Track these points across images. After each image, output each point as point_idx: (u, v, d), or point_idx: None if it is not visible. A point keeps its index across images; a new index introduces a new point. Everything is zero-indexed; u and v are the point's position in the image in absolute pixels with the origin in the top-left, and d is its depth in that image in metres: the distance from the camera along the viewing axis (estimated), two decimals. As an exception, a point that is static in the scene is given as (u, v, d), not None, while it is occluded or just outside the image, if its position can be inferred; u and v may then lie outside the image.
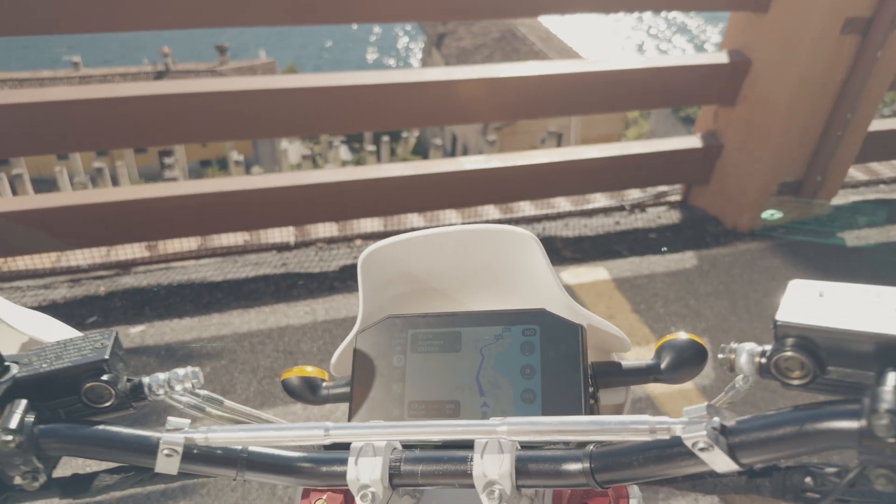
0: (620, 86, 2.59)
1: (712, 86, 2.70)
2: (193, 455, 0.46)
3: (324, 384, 0.63)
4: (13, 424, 0.43)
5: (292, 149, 24.45)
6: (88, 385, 0.46)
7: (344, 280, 2.44)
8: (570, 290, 2.41)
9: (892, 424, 0.31)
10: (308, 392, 0.63)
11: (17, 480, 0.45)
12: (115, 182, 20.34)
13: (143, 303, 2.29)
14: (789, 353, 0.37)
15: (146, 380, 0.49)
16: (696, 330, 2.24)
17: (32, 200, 2.33)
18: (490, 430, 0.42)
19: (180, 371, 0.49)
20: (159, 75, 27.22)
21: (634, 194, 3.10)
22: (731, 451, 0.37)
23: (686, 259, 2.63)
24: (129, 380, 0.48)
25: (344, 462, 0.45)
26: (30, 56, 42.80)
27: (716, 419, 0.37)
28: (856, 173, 3.38)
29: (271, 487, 1.64)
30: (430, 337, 0.56)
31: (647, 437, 0.38)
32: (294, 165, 22.58)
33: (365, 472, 0.43)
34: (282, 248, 2.62)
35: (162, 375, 0.49)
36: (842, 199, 3.06)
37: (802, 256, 2.65)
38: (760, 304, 2.37)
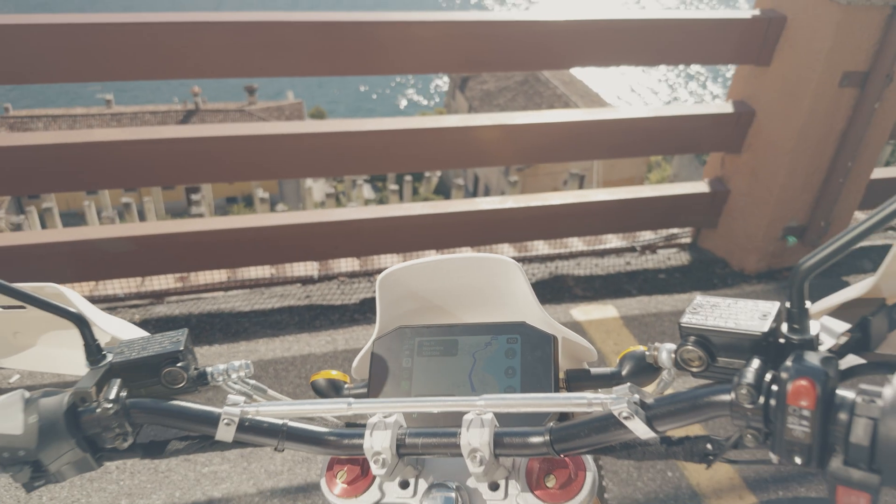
0: (632, 133, 2.73)
1: (719, 134, 2.83)
2: (245, 426, 0.58)
3: (346, 385, 0.77)
4: (111, 396, 0.57)
5: (317, 187, 24.87)
6: (167, 370, 0.59)
7: (364, 312, 2.57)
8: (578, 326, 2.52)
9: (748, 394, 0.44)
10: (333, 391, 0.76)
11: (109, 444, 0.58)
12: (141, 217, 20.81)
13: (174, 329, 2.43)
14: (689, 348, 0.50)
15: (209, 369, 0.62)
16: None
17: (76, 232, 2.49)
18: (471, 404, 0.54)
19: (236, 363, 0.63)
20: (189, 114, 27.99)
21: (646, 236, 3.22)
22: (649, 421, 0.49)
23: (693, 298, 2.73)
24: (196, 368, 0.61)
25: (361, 436, 0.57)
26: (64, 93, 44.15)
27: (636, 395, 0.49)
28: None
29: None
30: (432, 344, 0.70)
31: (585, 409, 0.50)
32: (318, 203, 22.97)
33: (378, 442, 0.55)
34: (306, 281, 2.76)
35: (222, 366, 0.62)
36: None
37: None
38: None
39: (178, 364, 0.59)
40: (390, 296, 0.74)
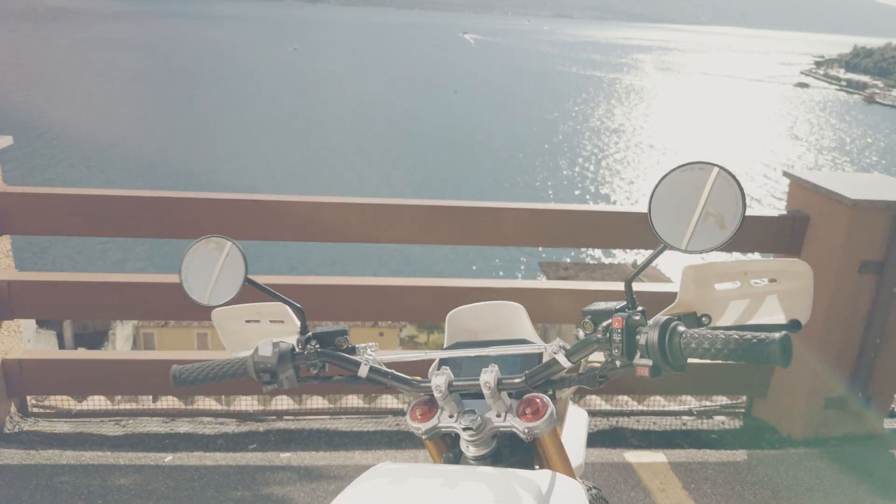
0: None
1: (762, 312, 3.27)
2: (373, 370, 1.13)
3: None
4: (310, 347, 1.13)
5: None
6: (337, 338, 1.16)
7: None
8: (629, 466, 2.87)
9: (602, 331, 0.97)
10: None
11: (305, 372, 1.14)
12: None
13: (290, 439, 2.97)
14: (586, 321, 1.03)
15: (357, 345, 1.18)
16: (736, 507, 2.62)
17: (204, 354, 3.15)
18: (483, 354, 1.08)
19: (370, 344, 1.19)
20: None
21: (704, 402, 3.56)
22: (567, 355, 1.01)
23: (738, 455, 3.03)
24: (348, 341, 1.18)
25: (430, 381, 1.10)
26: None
27: (562, 344, 1.02)
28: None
29: None
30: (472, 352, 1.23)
31: (537, 351, 1.03)
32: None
33: (439, 381, 1.08)
34: (396, 412, 3.27)
35: (360, 345, 1.18)
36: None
37: (847, 463, 2.98)
38: (801, 496, 2.72)
39: (344, 336, 1.16)
40: (454, 326, 1.29)
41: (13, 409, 3.02)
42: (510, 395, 1.10)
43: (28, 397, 3.08)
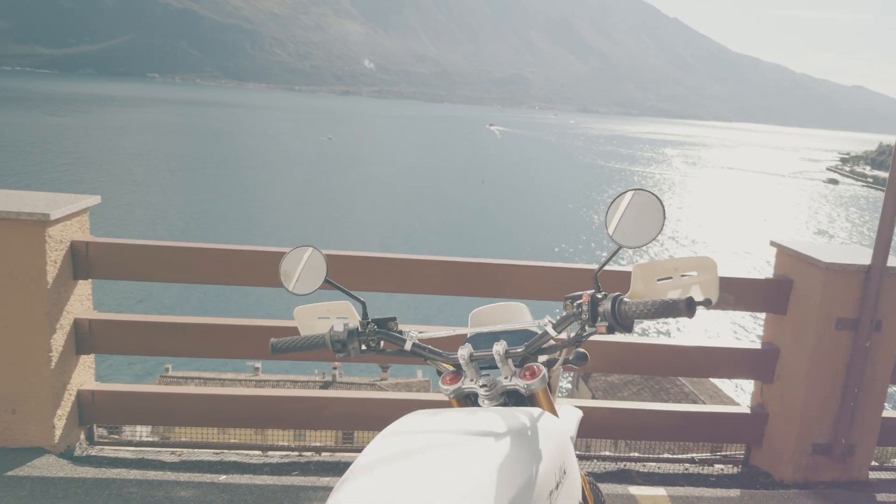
0: (674, 356, 3.59)
1: (755, 368, 3.62)
2: (415, 346, 1.55)
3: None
4: (369, 327, 1.57)
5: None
6: (390, 323, 1.60)
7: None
8: (633, 498, 3.18)
9: (579, 306, 1.39)
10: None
11: (365, 346, 1.57)
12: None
13: (329, 469, 3.34)
14: (568, 302, 1.46)
15: (403, 328, 1.61)
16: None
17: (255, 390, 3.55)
18: (494, 330, 1.51)
19: (414, 327, 1.63)
20: (325, 384, 30.32)
21: (706, 453, 3.86)
22: (554, 327, 1.43)
23: (733, 493, 3.33)
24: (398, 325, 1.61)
25: (456, 354, 1.53)
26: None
27: (551, 319, 1.45)
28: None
29: None
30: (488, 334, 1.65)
31: (535, 329, 1.46)
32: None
33: (463, 352, 1.51)
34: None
35: (406, 327, 1.62)
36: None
37: (829, 501, 3.26)
38: (788, 528, 3.01)
39: (394, 321, 1.60)
40: (474, 322, 1.71)
41: (82, 436, 3.43)
42: (515, 364, 1.51)
43: (95, 426, 3.50)
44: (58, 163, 49.28)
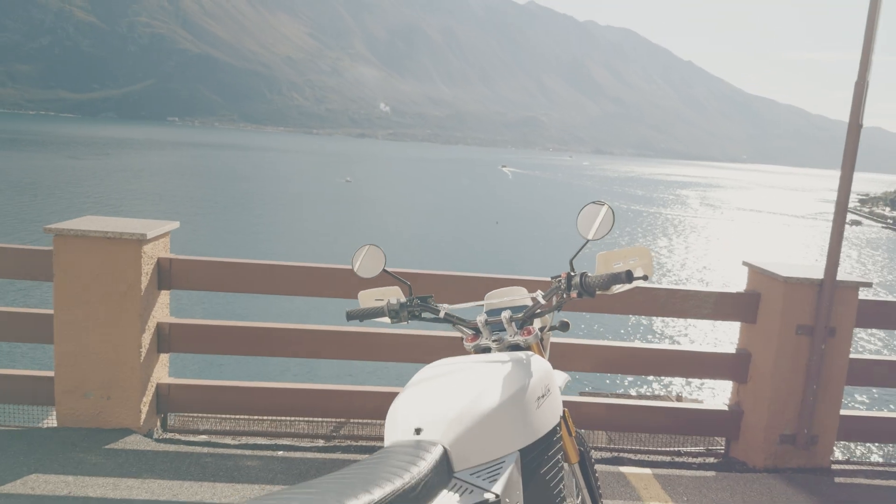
0: (656, 360, 4.20)
1: (731, 370, 4.21)
2: (447, 315, 2.20)
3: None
4: (416, 301, 2.22)
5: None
6: (429, 299, 2.24)
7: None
8: (621, 475, 3.76)
9: (561, 281, 2.04)
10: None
11: (410, 316, 2.22)
12: None
13: (366, 451, 3.94)
14: (555, 280, 2.11)
15: (439, 304, 2.26)
16: None
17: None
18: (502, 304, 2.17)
19: (444, 304, 2.28)
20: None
21: (691, 447, 4.42)
22: (542, 298, 2.08)
23: (709, 474, 3.90)
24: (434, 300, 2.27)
25: (475, 319, 2.17)
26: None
27: (541, 292, 2.09)
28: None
29: None
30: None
31: (529, 298, 2.11)
32: None
33: (480, 318, 2.15)
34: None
35: (442, 304, 2.27)
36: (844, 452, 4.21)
37: (796, 484, 3.82)
38: (759, 496, 3.57)
39: (431, 297, 2.24)
40: (488, 298, 2.35)
41: (158, 423, 4.08)
42: (517, 326, 2.15)
43: (169, 414, 4.14)
44: (77, 203, 50.69)
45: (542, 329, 2.20)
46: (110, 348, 3.72)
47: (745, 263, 4.29)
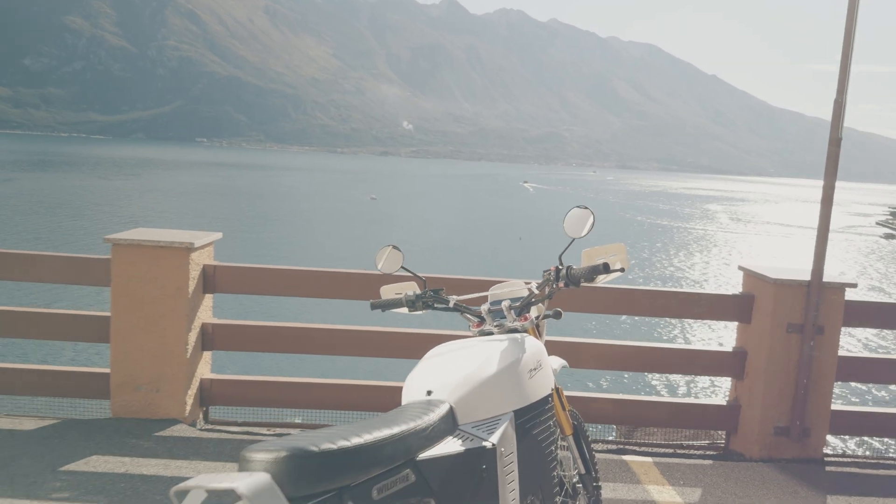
0: (654, 357, 4.52)
1: (729, 367, 4.52)
2: (456, 304, 2.56)
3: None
4: (429, 293, 2.59)
5: None
6: (440, 291, 2.61)
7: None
8: (623, 462, 4.08)
9: (550, 273, 2.41)
10: None
11: (424, 306, 2.59)
12: None
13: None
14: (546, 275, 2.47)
15: (449, 295, 2.63)
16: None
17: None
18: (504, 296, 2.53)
19: (455, 295, 2.65)
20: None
21: (692, 440, 4.72)
22: (536, 288, 2.45)
23: (706, 462, 4.20)
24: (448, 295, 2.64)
25: (480, 308, 2.54)
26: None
27: (537, 282, 2.46)
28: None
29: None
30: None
31: (525, 289, 2.48)
32: None
33: (484, 307, 2.52)
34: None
35: (451, 296, 2.64)
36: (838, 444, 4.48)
37: (788, 472, 4.11)
38: (751, 482, 3.87)
39: (443, 290, 2.62)
40: (492, 290, 2.72)
41: (201, 415, 4.48)
42: (515, 314, 2.50)
43: (211, 407, 4.55)
44: (108, 223, 51.99)
45: (537, 317, 2.57)
46: (159, 346, 4.14)
47: (740, 267, 4.61)
